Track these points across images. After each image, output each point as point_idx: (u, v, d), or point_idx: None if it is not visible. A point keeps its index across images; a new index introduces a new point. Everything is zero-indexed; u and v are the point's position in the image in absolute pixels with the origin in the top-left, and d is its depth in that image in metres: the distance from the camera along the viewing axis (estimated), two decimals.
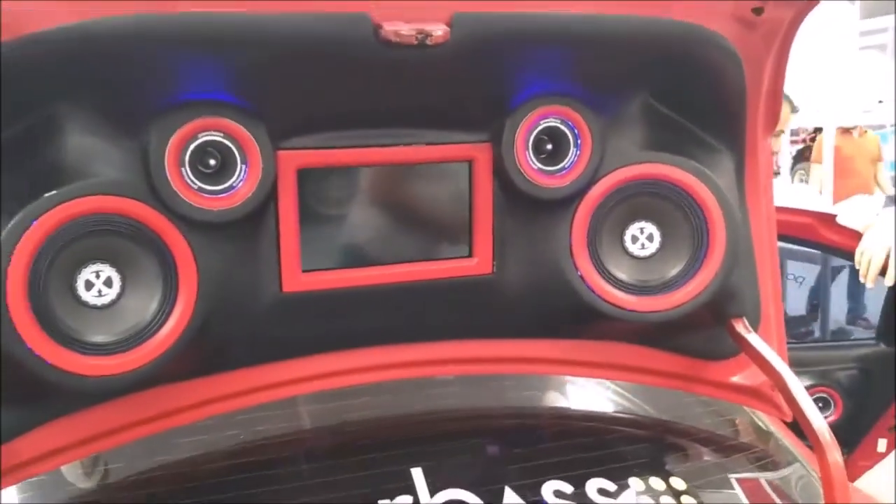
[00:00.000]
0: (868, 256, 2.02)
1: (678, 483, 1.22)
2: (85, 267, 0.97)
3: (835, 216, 2.30)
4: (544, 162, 1.14)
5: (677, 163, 1.16)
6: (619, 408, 1.48)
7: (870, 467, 2.58)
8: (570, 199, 1.16)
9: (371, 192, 1.16)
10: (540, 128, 1.13)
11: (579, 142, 1.14)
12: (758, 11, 1.14)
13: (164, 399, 1.09)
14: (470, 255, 1.17)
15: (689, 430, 1.40)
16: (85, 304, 0.98)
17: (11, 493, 1.12)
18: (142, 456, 1.17)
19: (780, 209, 2.37)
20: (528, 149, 1.13)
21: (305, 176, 1.07)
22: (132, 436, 1.09)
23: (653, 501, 1.18)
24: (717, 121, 1.22)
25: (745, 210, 1.29)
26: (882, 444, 2.58)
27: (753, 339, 1.25)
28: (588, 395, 1.47)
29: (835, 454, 1.13)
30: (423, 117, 1.11)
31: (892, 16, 5.92)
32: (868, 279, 2.06)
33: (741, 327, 1.25)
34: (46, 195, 0.92)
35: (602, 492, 1.18)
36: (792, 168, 7.51)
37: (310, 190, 1.08)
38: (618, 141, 1.17)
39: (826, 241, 2.31)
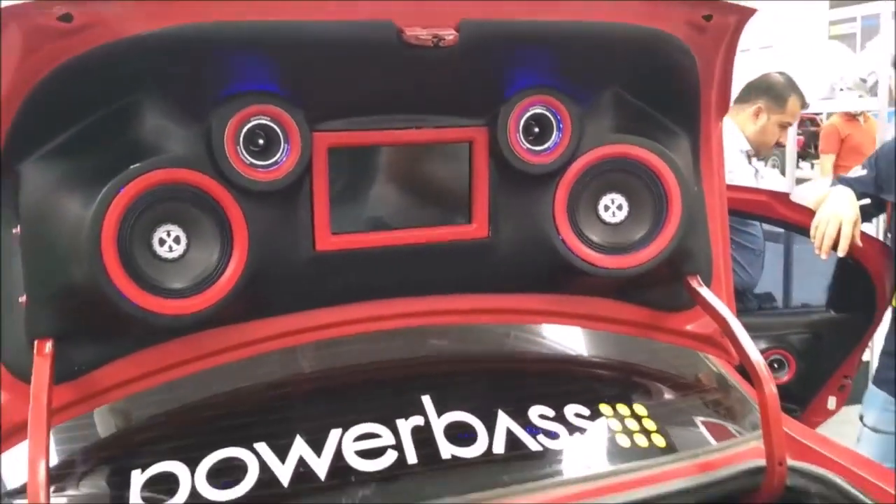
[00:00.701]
0: (822, 230, 2.17)
1: (640, 409, 1.45)
2: (159, 227, 1.18)
3: (789, 194, 2.54)
4: (532, 143, 1.36)
5: (642, 143, 1.38)
6: (592, 352, 1.71)
7: (821, 423, 2.82)
8: (553, 175, 1.37)
9: (388, 167, 1.38)
10: (528, 114, 1.34)
11: (561, 126, 1.35)
12: (707, 18, 1.36)
13: (220, 338, 1.30)
14: (469, 222, 1.37)
15: (650, 370, 1.63)
16: (159, 258, 1.19)
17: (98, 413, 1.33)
18: (200, 386, 1.38)
19: (739, 188, 2.64)
20: (518, 131, 1.34)
21: (335, 154, 1.28)
22: (193, 369, 1.31)
23: (619, 422, 1.42)
24: (675, 108, 1.44)
25: (699, 184, 1.52)
26: (832, 402, 2.77)
27: (706, 292, 1.48)
28: (566, 341, 1.70)
29: (771, 386, 1.36)
30: (432, 105, 1.32)
31: (861, 5, 6.12)
32: (822, 252, 2.21)
33: (695, 283, 1.48)
34: (132, 167, 1.14)
35: (577, 415, 1.41)
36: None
37: (338, 165, 1.29)
38: (593, 125, 1.38)
39: (781, 217, 2.53)
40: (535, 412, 1.40)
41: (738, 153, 3.07)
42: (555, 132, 1.36)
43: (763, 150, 3.34)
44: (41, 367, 1.14)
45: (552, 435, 1.37)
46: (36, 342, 1.17)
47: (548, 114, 1.35)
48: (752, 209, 2.56)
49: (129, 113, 1.17)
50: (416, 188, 1.42)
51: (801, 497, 1.36)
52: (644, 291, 1.52)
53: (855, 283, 2.56)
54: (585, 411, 1.42)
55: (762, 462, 1.34)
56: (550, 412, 1.41)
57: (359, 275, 1.36)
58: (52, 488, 1.11)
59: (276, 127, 1.22)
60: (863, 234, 2.58)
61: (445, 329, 1.57)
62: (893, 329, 2.37)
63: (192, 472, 1.24)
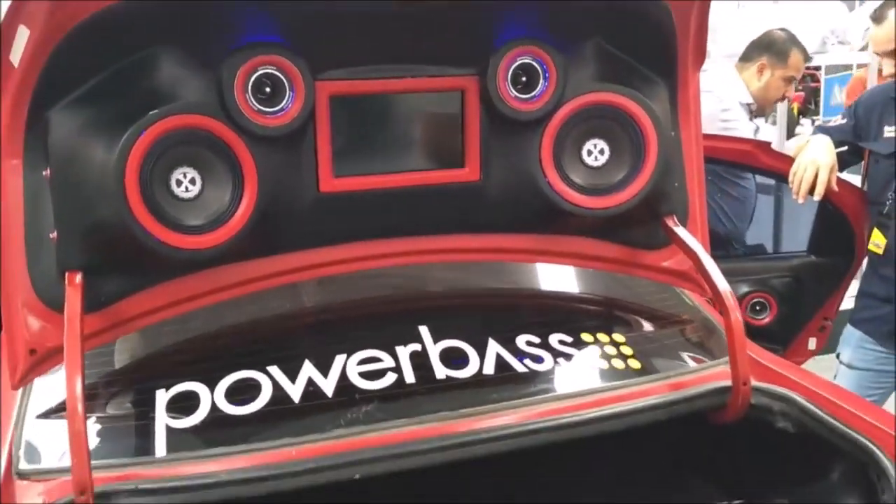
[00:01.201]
0: (799, 176, 2.27)
1: (619, 337, 1.58)
2: (176, 169, 1.29)
3: (770, 143, 2.64)
4: (520, 91, 1.45)
5: (622, 91, 1.48)
6: (577, 288, 1.84)
7: (802, 363, 2.95)
8: (539, 121, 1.47)
9: (387, 115, 1.48)
10: (516, 64, 1.43)
11: (547, 75, 1.45)
12: None
13: (234, 273, 1.42)
14: (462, 166, 1.47)
15: (629, 304, 1.76)
16: (177, 197, 1.30)
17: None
18: (217, 317, 1.51)
19: (725, 138, 2.74)
20: (507, 80, 1.44)
21: (336, 102, 1.39)
22: (210, 301, 1.43)
23: (598, 348, 1.55)
24: (654, 59, 1.54)
25: (677, 130, 1.62)
26: (812, 343, 2.91)
27: (681, 231, 1.59)
28: (553, 278, 1.82)
29: (736, 314, 1.48)
30: (426, 56, 1.41)
31: None
32: (799, 196, 2.31)
33: (671, 222, 1.59)
34: (150, 113, 1.24)
35: (561, 342, 1.54)
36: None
37: (340, 113, 1.40)
38: (577, 75, 1.47)
39: (763, 165, 2.63)
40: (523, 339, 1.53)
41: (738, 104, 3.16)
42: (541, 81, 1.46)
43: (769, 106, 3.44)
44: (73, 297, 1.27)
45: (537, 359, 1.50)
46: (67, 274, 1.29)
47: (535, 64, 1.45)
48: (737, 158, 2.66)
49: (146, 64, 1.27)
50: (412, 135, 1.53)
51: (765, 415, 1.49)
52: (624, 231, 1.62)
53: (834, 229, 2.67)
54: (568, 339, 1.55)
55: (728, 382, 1.47)
56: (536, 339, 1.54)
57: (360, 215, 1.47)
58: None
59: (281, 76, 1.32)
60: (842, 181, 2.69)
61: (442, 267, 1.69)
62: (870, 271, 2.48)
63: (212, 391, 1.37)
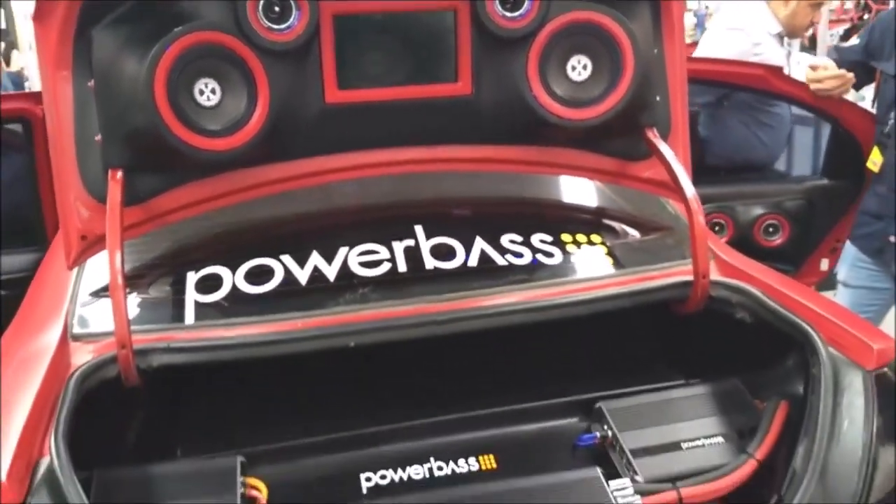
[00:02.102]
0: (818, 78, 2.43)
1: (596, 238, 1.75)
2: (199, 80, 1.48)
3: (781, 68, 2.70)
4: (507, 10, 1.58)
5: (601, 10, 1.58)
6: (563, 195, 2.00)
7: (815, 283, 3.05)
8: (525, 38, 1.59)
9: (386, 32, 1.64)
10: None
11: None
12: None
13: (249, 177, 1.61)
14: (455, 80, 1.63)
15: (612, 210, 1.91)
16: (200, 105, 1.49)
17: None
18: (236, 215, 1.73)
19: (737, 63, 2.81)
20: (494, 0, 1.59)
21: (340, 21, 1.56)
22: (231, 201, 1.63)
23: (575, 246, 1.72)
24: None
25: (660, 48, 1.74)
26: (824, 264, 3.00)
27: (660, 143, 1.72)
28: (540, 186, 1.98)
29: (699, 217, 1.63)
30: None
31: None
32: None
33: (651, 134, 1.72)
34: (175, 30, 1.44)
35: (542, 241, 1.71)
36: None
37: (343, 30, 1.56)
38: None
39: (775, 89, 2.71)
40: (507, 238, 1.71)
41: (768, 36, 3.19)
42: (527, 1, 1.59)
43: (798, 32, 3.44)
44: (114, 190, 1.49)
45: (518, 255, 1.68)
46: (109, 171, 1.51)
47: None
48: (749, 82, 2.74)
49: None
50: (410, 52, 1.68)
51: (725, 306, 1.64)
52: (609, 142, 1.75)
53: (846, 153, 2.74)
54: (548, 238, 1.72)
55: (690, 277, 1.63)
56: (519, 238, 1.71)
57: (363, 126, 1.64)
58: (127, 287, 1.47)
59: None
60: (854, 105, 2.75)
61: (439, 176, 1.87)
62: (872, 190, 2.54)
63: (233, 274, 1.60)
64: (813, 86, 2.42)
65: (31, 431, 1.27)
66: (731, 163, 3.18)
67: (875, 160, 2.41)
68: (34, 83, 8.48)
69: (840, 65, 2.45)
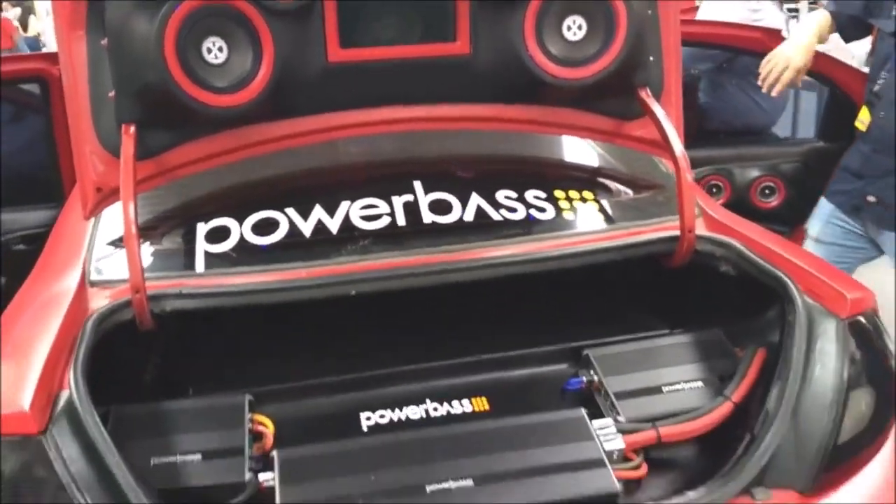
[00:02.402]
0: (768, 69, 2.35)
1: (588, 195, 1.82)
2: (207, 38, 1.55)
3: (780, 30, 2.73)
4: None
5: None
6: (559, 154, 2.06)
7: None
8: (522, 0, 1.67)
9: None
10: None
11: None
12: None
13: (255, 133, 1.68)
14: (454, 40, 1.68)
15: (605, 168, 1.97)
16: (207, 63, 1.56)
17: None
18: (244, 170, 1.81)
19: (735, 25, 2.84)
20: None
21: None
22: (238, 156, 1.70)
23: (568, 203, 1.79)
24: None
25: (655, 10, 1.78)
26: None
27: (651, 102, 1.78)
28: (538, 145, 2.05)
29: (687, 175, 1.69)
30: None
31: None
32: (764, 86, 2.39)
33: (644, 94, 1.78)
34: None
35: (536, 197, 1.78)
36: None
37: None
38: None
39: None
40: (502, 194, 1.79)
41: (769, 3, 3.21)
42: None
43: None
44: (127, 144, 1.57)
45: (512, 210, 1.76)
46: (123, 126, 1.59)
47: None
48: (747, 45, 2.77)
49: None
50: (411, 13, 1.74)
51: (710, 260, 1.72)
52: (603, 102, 1.80)
53: (843, 115, 2.77)
54: (542, 195, 1.80)
55: (677, 232, 1.70)
56: (514, 194, 1.79)
57: (365, 84, 1.70)
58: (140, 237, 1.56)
59: None
60: (851, 67, 2.77)
61: (439, 135, 1.93)
62: (856, 148, 2.49)
63: (241, 225, 1.69)
64: (763, 76, 2.41)
65: (52, 367, 1.36)
66: (730, 127, 3.23)
67: (863, 119, 2.41)
68: (51, 48, 8.56)
69: (836, 17, 2.43)
